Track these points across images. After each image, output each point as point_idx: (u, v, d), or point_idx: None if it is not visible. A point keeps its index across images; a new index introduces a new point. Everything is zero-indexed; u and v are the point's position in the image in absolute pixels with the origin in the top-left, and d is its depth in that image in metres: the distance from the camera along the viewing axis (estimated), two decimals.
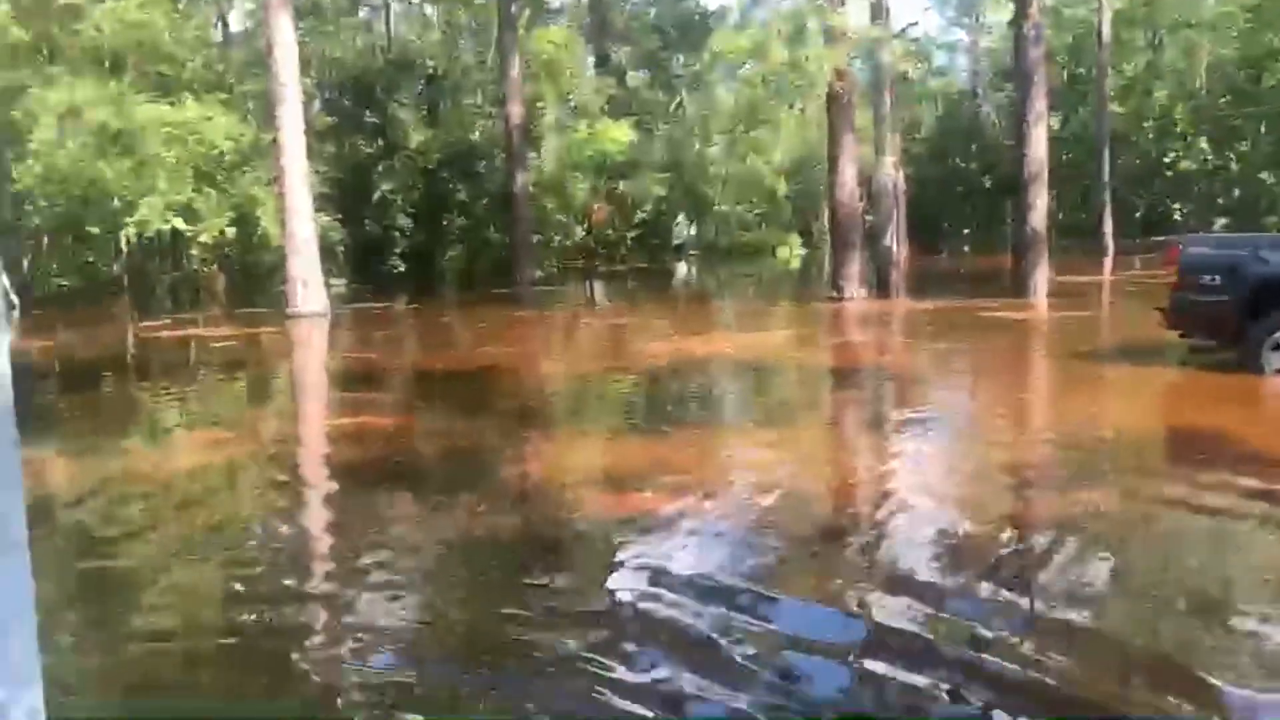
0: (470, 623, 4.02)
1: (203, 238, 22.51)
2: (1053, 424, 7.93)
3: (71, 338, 16.91)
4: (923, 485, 5.91)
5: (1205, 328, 9.56)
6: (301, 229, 19.02)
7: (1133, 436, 7.02)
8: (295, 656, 3.69)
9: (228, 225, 22.62)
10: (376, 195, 28.10)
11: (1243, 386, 8.62)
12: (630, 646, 3.63)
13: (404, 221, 28.49)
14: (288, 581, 4.59)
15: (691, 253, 44.00)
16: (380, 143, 28.91)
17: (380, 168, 28.50)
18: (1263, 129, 32.88)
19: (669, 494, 5.66)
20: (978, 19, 47.84)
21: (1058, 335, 13.61)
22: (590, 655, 3.52)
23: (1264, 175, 32.64)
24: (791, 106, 40.26)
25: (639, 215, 39.49)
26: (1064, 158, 38.38)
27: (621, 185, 37.04)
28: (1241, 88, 33.41)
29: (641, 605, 3.99)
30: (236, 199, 22.94)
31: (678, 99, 42.78)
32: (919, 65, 21.84)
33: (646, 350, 12.86)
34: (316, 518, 5.93)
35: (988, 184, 41.92)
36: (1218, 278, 9.07)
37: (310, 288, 19.03)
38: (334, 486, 6.68)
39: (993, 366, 11.03)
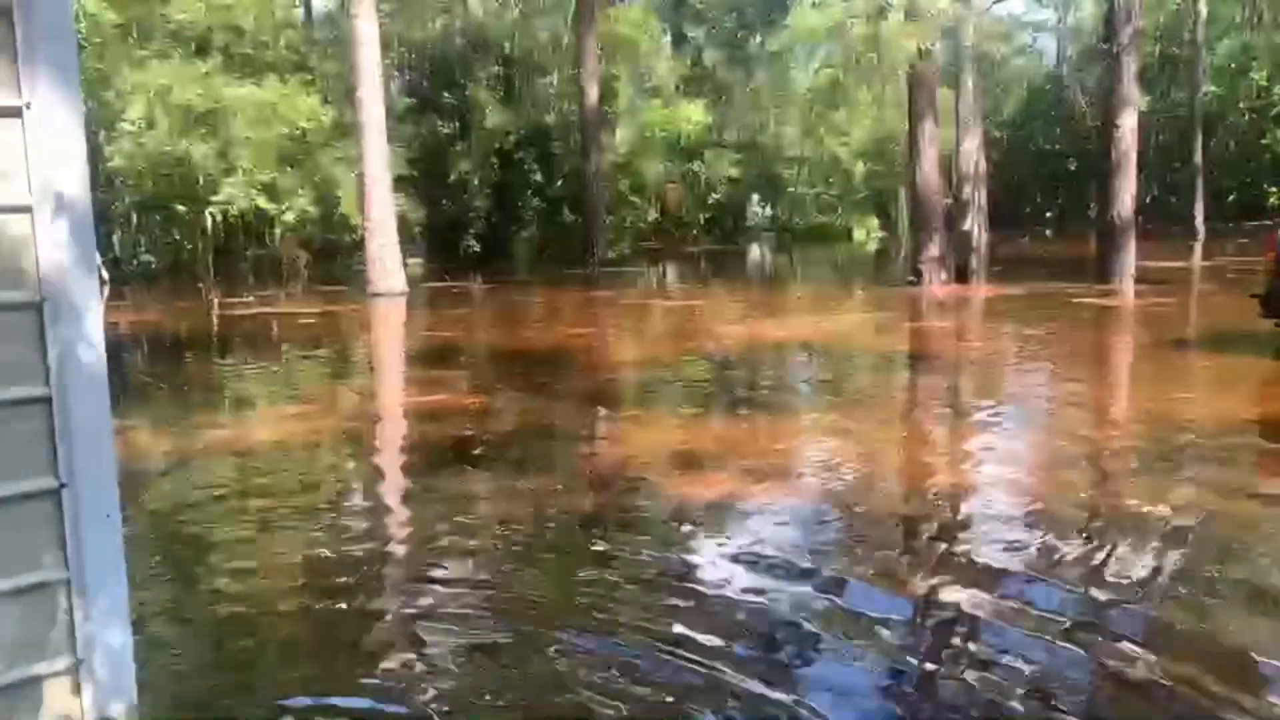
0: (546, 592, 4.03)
1: (285, 217, 22.96)
2: (1134, 416, 7.67)
3: (158, 313, 17.38)
4: (997, 476, 5.79)
5: None
6: (381, 209, 19.28)
7: (1215, 429, 6.76)
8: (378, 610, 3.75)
9: (310, 205, 23.03)
10: (454, 176, 28.37)
11: None
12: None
13: (480, 202, 28.73)
14: (371, 546, 4.65)
15: (765, 234, 43.69)
16: (457, 123, 29.16)
17: (457, 148, 28.77)
18: None
19: (744, 477, 5.62)
20: None
21: (1145, 323, 13.21)
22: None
23: None
24: (870, 87, 39.65)
25: (713, 196, 39.32)
26: (1154, 139, 37.28)
27: (695, 166, 36.92)
28: None
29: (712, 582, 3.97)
30: (318, 179, 23.35)
31: (754, 79, 42.39)
32: (1003, 45, 21.25)
33: (720, 333, 12.81)
34: (395, 491, 6.00)
35: (1073, 167, 40.88)
36: None
37: (389, 267, 19.30)
38: (412, 462, 6.77)
39: (1075, 355, 10.75)
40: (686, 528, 4.86)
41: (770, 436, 6.86)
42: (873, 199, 42.56)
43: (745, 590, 3.95)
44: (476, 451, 6.72)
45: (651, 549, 4.60)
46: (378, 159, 19.18)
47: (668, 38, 41.20)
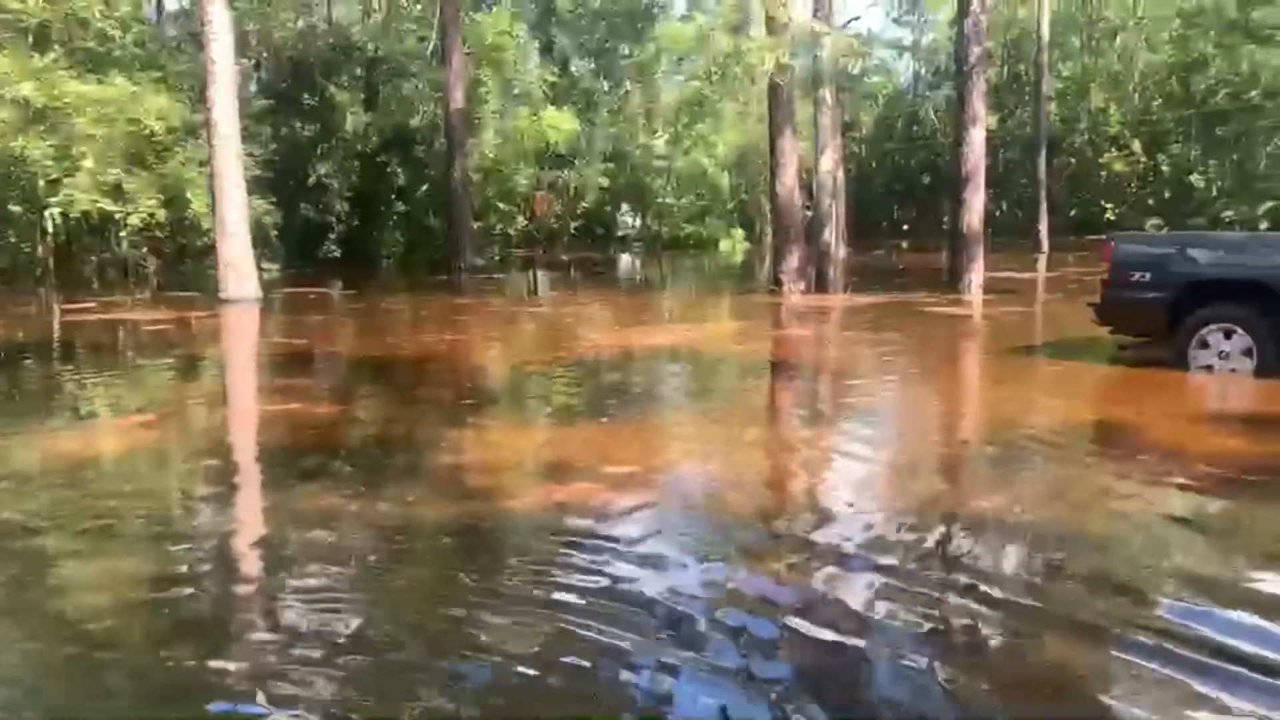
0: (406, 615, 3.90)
1: (132, 219, 21.88)
2: (968, 418, 7.99)
3: None
4: (839, 477, 5.91)
5: (1135, 324, 9.72)
6: (232, 212, 18.58)
7: (1043, 430, 7.05)
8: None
9: (158, 207, 22.00)
10: (313, 179, 27.63)
11: (1163, 382, 8.77)
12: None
13: (341, 206, 28.06)
14: (206, 568, 4.42)
15: (635, 244, 44.04)
16: (318, 126, 28.43)
17: (318, 151, 28.03)
18: (1192, 132, 33.69)
19: (603, 483, 5.57)
20: (921, 17, 48.40)
21: (989, 331, 13.78)
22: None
23: (1193, 177, 33.45)
24: (737, 100, 40.44)
25: (582, 205, 39.42)
26: (1002, 156, 39.11)
27: (565, 174, 36.94)
28: (1173, 92, 34.22)
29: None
30: (168, 180, 22.34)
31: (623, 89, 42.74)
32: (859, 61, 21.97)
33: (583, 341, 12.77)
34: (231, 507, 5.73)
35: (926, 181, 42.51)
36: (1148, 275, 9.21)
37: (242, 272, 18.62)
38: (256, 475, 6.49)
39: (924, 362, 11.09)
40: (543, 537, 4.79)
41: (630, 444, 6.84)
42: (739, 210, 43.40)
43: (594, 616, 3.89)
44: (325, 462, 6.48)
45: (510, 560, 4.52)
46: (230, 159, 18.48)
47: (535, 45, 41.15)
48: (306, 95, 28.77)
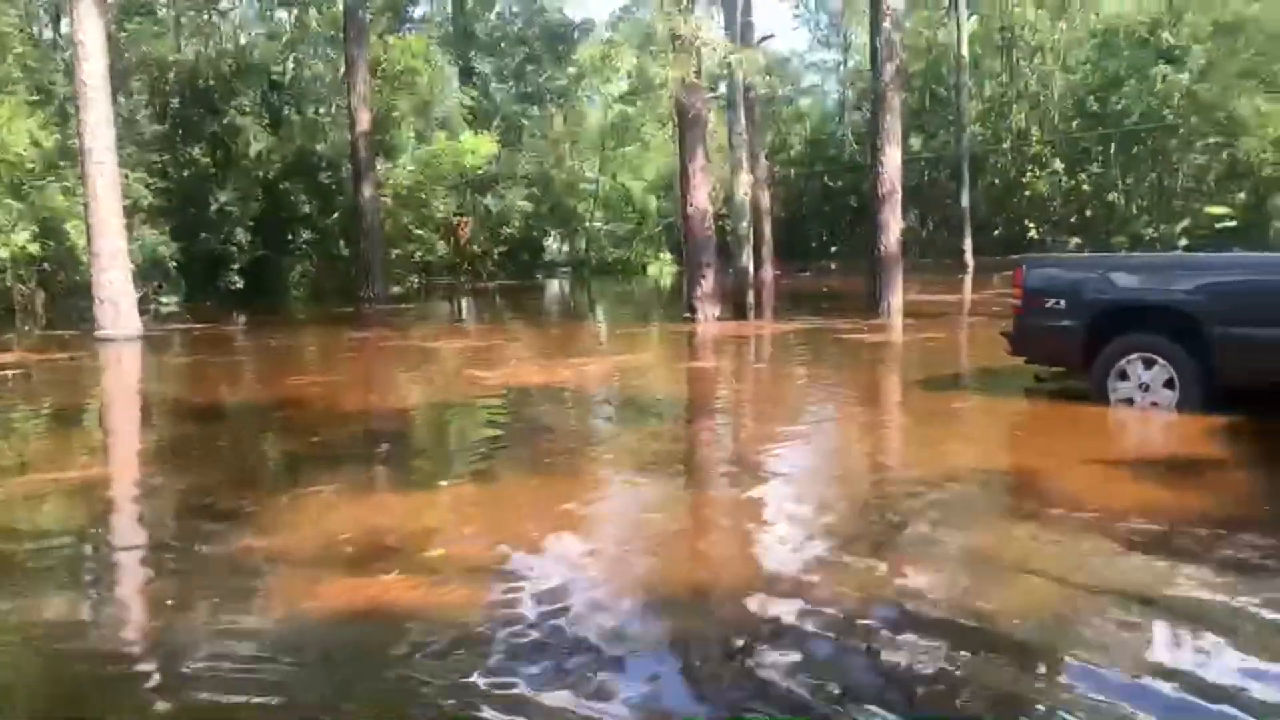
0: None
1: (2, 252, 20.37)
2: (856, 463, 7.12)
3: None
4: (719, 534, 5.01)
5: (1050, 354, 9.01)
6: (109, 244, 17.29)
7: (940, 483, 6.23)
8: None
9: (32, 240, 20.53)
10: (214, 207, 26.30)
11: (1080, 418, 8.05)
12: None
13: (244, 235, 26.73)
14: None
15: (563, 269, 43.21)
16: (218, 152, 27.14)
17: (219, 178, 26.73)
18: (1112, 151, 33.76)
19: (422, 578, 4.58)
20: (846, 38, 48.29)
21: (901, 360, 13.08)
22: None
23: (1113, 195, 33.50)
24: (661, 123, 39.82)
25: (507, 231, 38.45)
26: (927, 177, 38.95)
27: (487, 200, 35.98)
28: (1092, 111, 34.29)
29: None
30: (43, 211, 20.89)
31: (546, 113, 41.96)
32: (769, 78, 21.37)
33: (474, 380, 11.70)
34: None
35: (854, 203, 42.15)
36: (1061, 301, 8.51)
37: (120, 308, 17.34)
38: None
39: (821, 398, 10.23)
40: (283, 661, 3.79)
41: (478, 516, 5.85)
42: (666, 233, 42.73)
43: None
44: (88, 552, 5.40)
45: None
46: (105, 187, 17.20)
47: (455, 69, 40.20)
48: (207, 120, 27.48)
